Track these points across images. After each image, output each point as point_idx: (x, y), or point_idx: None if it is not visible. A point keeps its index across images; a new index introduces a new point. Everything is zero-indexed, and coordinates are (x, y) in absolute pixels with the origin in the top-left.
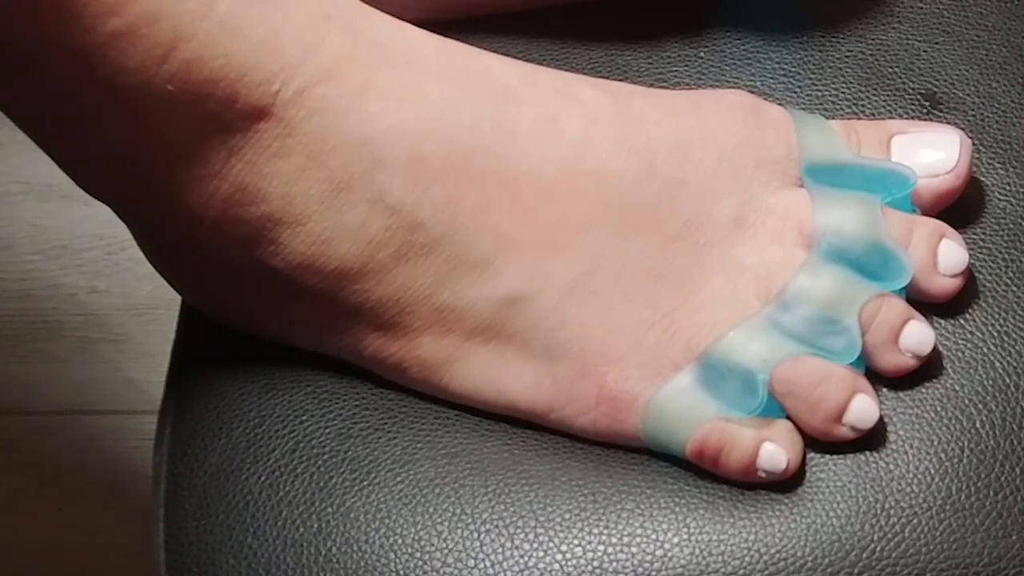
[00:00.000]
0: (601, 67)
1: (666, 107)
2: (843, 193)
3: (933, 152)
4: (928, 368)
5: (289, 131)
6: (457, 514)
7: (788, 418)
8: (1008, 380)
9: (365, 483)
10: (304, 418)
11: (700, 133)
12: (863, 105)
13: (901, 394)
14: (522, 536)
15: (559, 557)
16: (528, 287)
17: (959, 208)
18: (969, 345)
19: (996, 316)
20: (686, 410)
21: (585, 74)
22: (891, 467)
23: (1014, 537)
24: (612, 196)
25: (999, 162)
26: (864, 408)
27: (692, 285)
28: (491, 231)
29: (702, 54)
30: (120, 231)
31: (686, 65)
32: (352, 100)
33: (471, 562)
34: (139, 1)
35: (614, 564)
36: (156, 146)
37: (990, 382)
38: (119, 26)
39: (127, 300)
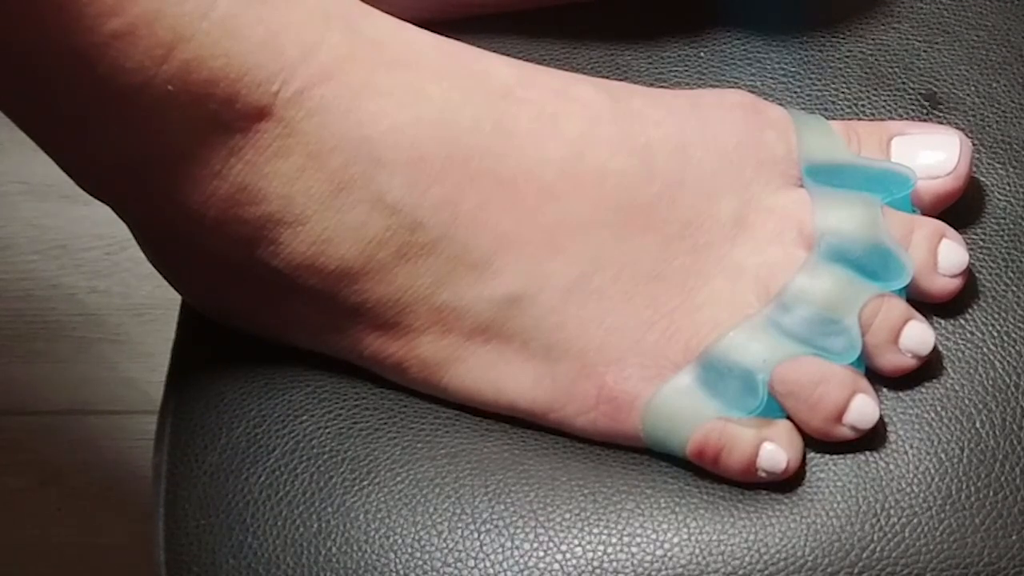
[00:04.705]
0: (601, 67)
1: (666, 107)
2: (843, 193)
3: (933, 153)
4: (928, 368)
5: (289, 131)
6: (457, 514)
7: (788, 418)
8: (1008, 380)
9: (365, 483)
10: (304, 418)
11: (700, 133)
12: (863, 105)
13: (901, 394)
14: (522, 536)
15: (559, 557)
16: (528, 287)
17: (959, 208)
18: (969, 345)
19: (996, 316)
20: (686, 410)
21: (585, 74)
22: (891, 467)
23: (1014, 537)
24: (612, 196)
25: (999, 162)
26: (864, 408)
27: (692, 285)
28: (491, 231)
29: (702, 54)
30: (120, 231)
31: (686, 65)
32: (352, 100)
33: (471, 562)
34: (139, 1)
35: (614, 564)
36: (156, 146)
37: (990, 382)
38: (119, 26)
39: (127, 300)
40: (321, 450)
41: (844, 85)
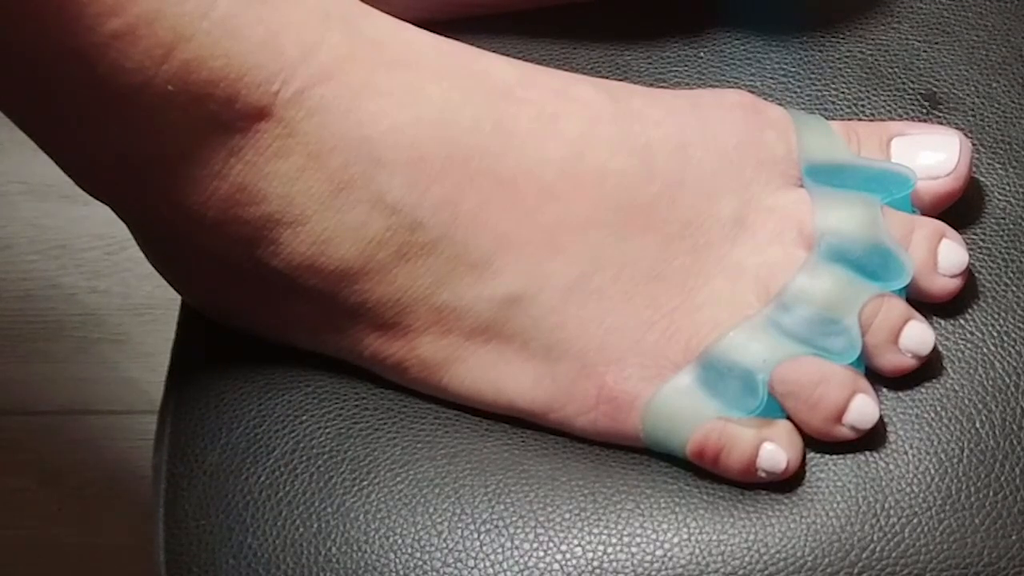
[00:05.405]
0: (601, 67)
1: (666, 107)
2: (843, 193)
3: (933, 154)
4: (928, 368)
5: (289, 131)
6: (457, 514)
7: (788, 418)
8: (1008, 380)
9: (365, 483)
10: (304, 418)
11: (700, 133)
12: (863, 105)
13: (901, 394)
14: (522, 536)
15: (559, 557)
16: (528, 287)
17: (959, 208)
18: (969, 345)
19: (996, 316)
20: (686, 410)
21: (585, 74)
22: (891, 467)
23: (1014, 537)
24: (612, 196)
25: (999, 162)
26: (864, 408)
27: (692, 285)
28: (491, 231)
29: (702, 54)
30: (120, 231)
31: (686, 65)
32: (352, 100)
33: (471, 562)
34: (139, 1)
35: (614, 564)
36: (156, 146)
37: (990, 382)
38: (119, 26)
39: (127, 300)
40: (321, 450)
41: (844, 85)
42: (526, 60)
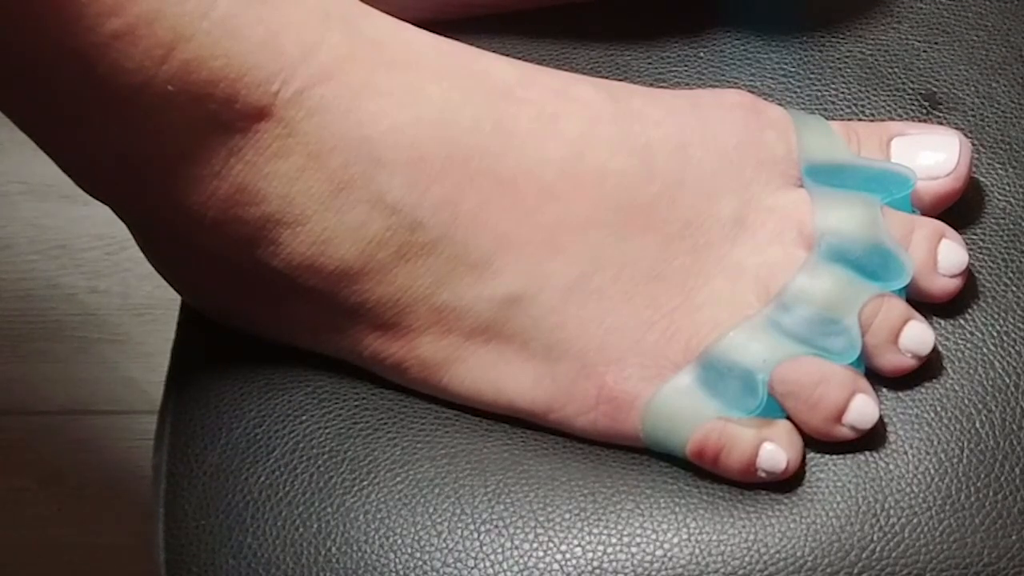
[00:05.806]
0: (601, 67)
1: (666, 107)
2: (843, 193)
3: (932, 154)
4: (928, 368)
5: (289, 131)
6: (457, 514)
7: (788, 418)
8: (1008, 380)
9: (365, 483)
10: (304, 418)
11: (700, 133)
12: (863, 105)
13: (901, 394)
14: (522, 536)
15: (559, 557)
16: (528, 287)
17: (959, 208)
18: (969, 345)
19: (996, 316)
20: (686, 410)
21: (585, 74)
22: (891, 467)
23: (1014, 537)
24: (612, 196)
25: (999, 162)
26: (864, 408)
27: (692, 285)
28: (491, 231)
29: (702, 54)
30: (120, 231)
31: (686, 65)
32: (352, 100)
33: (471, 562)
34: (139, 1)
35: (614, 564)
36: (156, 146)
37: (990, 382)
38: (119, 26)
39: (127, 300)
40: (321, 450)
41: (844, 85)
42: (526, 60)
